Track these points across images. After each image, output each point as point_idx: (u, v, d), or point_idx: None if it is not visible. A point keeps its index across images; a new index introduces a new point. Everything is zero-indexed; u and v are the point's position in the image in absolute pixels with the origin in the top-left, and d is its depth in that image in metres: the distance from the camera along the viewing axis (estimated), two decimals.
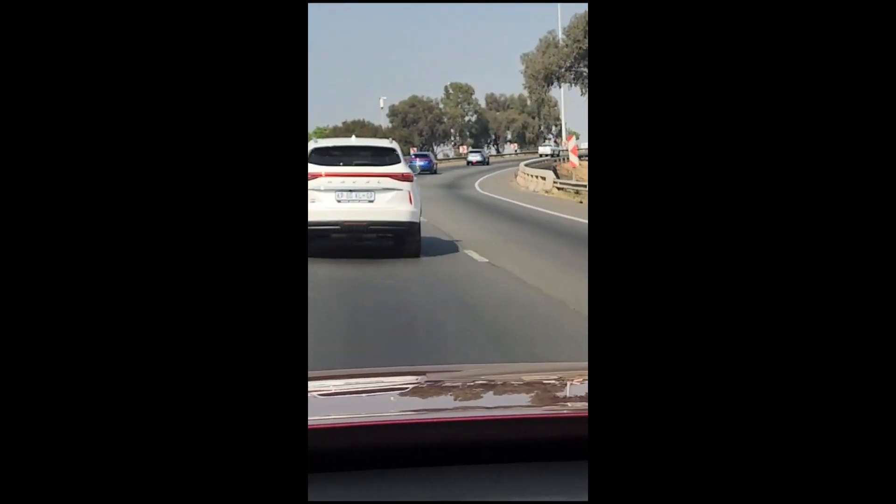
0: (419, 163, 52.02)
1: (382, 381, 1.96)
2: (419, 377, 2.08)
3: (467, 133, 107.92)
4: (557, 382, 1.91)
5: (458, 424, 1.38)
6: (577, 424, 1.20)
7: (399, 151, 12.87)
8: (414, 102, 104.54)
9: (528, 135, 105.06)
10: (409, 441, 1.29)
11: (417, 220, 12.42)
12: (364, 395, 1.81)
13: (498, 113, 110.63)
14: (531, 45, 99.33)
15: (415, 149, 71.39)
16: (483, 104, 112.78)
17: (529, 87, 77.68)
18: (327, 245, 12.07)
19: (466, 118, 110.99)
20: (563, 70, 71.65)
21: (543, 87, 75.95)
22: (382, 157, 12.51)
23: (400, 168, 12.38)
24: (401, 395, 1.83)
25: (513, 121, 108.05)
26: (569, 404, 1.69)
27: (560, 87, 74.77)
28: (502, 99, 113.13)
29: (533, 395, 1.81)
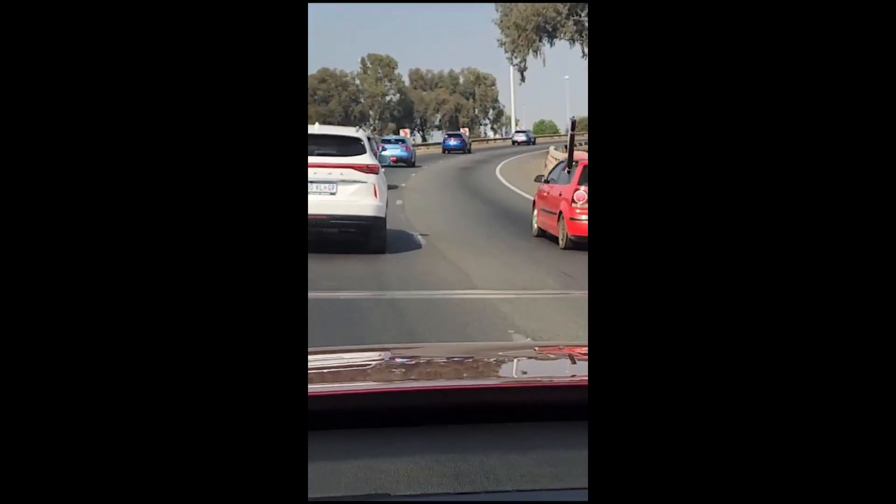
0: (393, 151, 40.51)
1: (369, 356, 2.05)
2: (407, 352, 2.19)
3: (388, 115, 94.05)
4: (554, 356, 2.07)
5: (456, 392, 1.48)
6: (577, 391, 1.32)
7: (366, 142, 12.29)
8: (324, 77, 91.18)
9: (461, 118, 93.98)
10: (405, 405, 1.37)
11: (383, 215, 11.90)
12: (355, 367, 1.88)
13: (425, 93, 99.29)
14: (467, 15, 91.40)
15: (406, 132, 61.71)
16: (407, 82, 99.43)
17: (512, 45, 50.94)
18: None
19: (388, 97, 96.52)
20: (562, 17, 48.69)
21: (533, 42, 50.39)
22: (347, 147, 11.89)
23: (365, 159, 11.79)
24: (390, 367, 1.92)
25: (443, 102, 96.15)
26: (567, 374, 1.81)
27: (553, 44, 51.20)
28: (429, 76, 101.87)
29: (530, 366, 1.93)
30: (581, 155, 14.50)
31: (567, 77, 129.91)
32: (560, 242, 13.15)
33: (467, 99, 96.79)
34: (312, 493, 1.08)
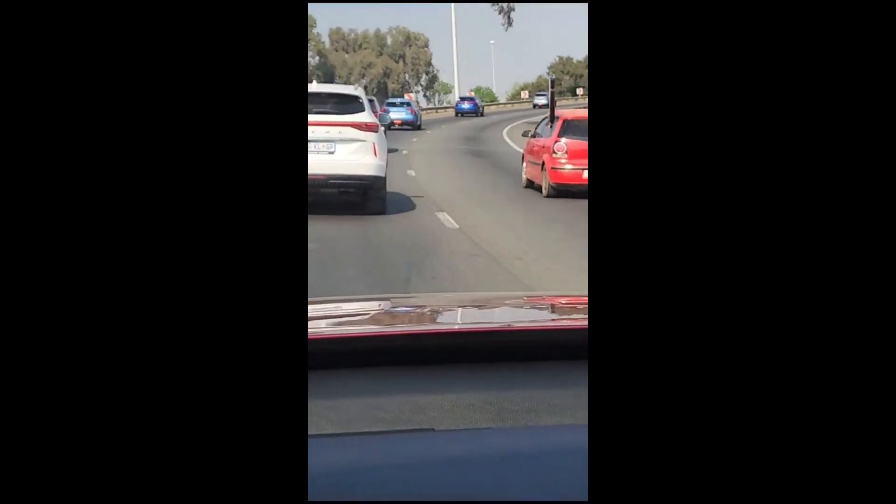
0: (398, 114, 38.97)
1: (355, 306, 2.06)
2: (393, 301, 2.21)
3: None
4: (553, 304, 2.09)
5: (456, 334, 1.51)
6: (562, 334, 1.41)
7: (364, 99, 12.02)
8: None
9: (390, 84, 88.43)
10: (403, 346, 1.39)
11: (383, 174, 11.67)
12: (340, 315, 1.87)
13: (348, 55, 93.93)
14: None
15: (410, 96, 58.34)
16: (328, 43, 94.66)
17: None
18: None
19: None
20: None
21: None
22: (346, 105, 11.63)
23: (364, 117, 11.55)
24: (389, 314, 1.96)
25: (369, 65, 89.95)
26: (565, 319, 1.83)
27: None
28: (352, 36, 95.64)
29: (528, 312, 1.98)
30: (561, 112, 16.22)
31: (492, 42, 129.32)
32: (543, 191, 14.17)
33: (397, 62, 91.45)
34: (359, 428, 1.15)
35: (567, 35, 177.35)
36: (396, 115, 38.80)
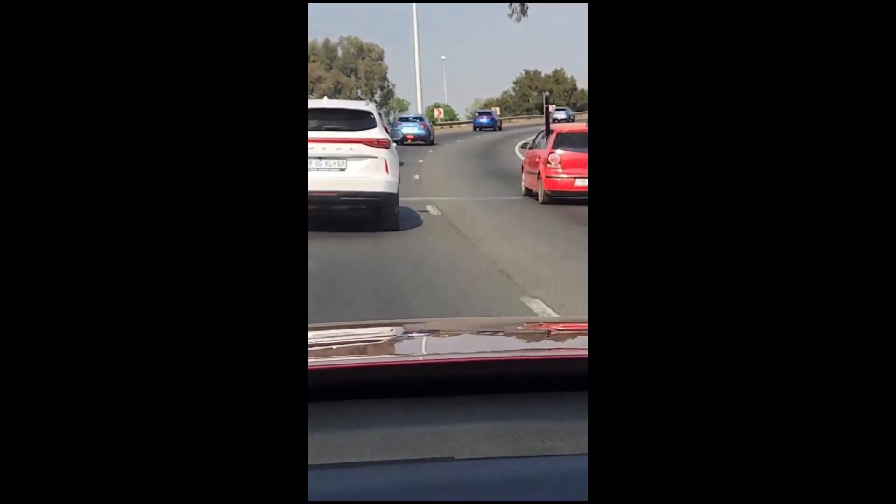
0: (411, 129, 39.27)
1: (369, 332, 2.07)
2: (406, 328, 2.20)
3: None
4: (553, 331, 2.11)
5: (455, 365, 1.51)
6: (576, 364, 1.36)
7: (376, 115, 11.85)
8: None
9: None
10: (405, 378, 1.40)
11: (395, 191, 11.55)
12: (357, 343, 1.89)
13: None
14: None
15: (439, 112, 57.22)
16: None
17: None
18: None
19: None
20: None
21: None
22: (356, 120, 11.47)
23: (375, 133, 11.41)
24: (391, 342, 1.93)
25: (318, 79, 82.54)
26: (566, 348, 1.84)
27: None
28: None
29: (529, 340, 1.99)
30: (555, 126, 18.14)
31: (444, 58, 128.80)
32: (539, 198, 15.56)
33: (349, 76, 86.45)
34: (373, 457, 1.16)
35: (532, 49, 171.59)
36: (409, 130, 39.76)
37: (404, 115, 46.59)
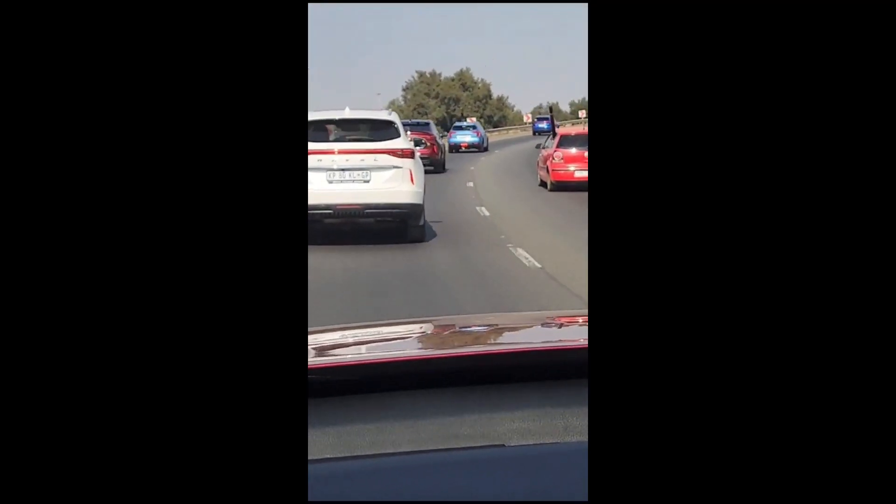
0: (464, 137, 39.90)
1: (379, 331, 2.11)
2: (416, 326, 2.24)
3: None
4: (556, 324, 2.11)
5: (460, 358, 1.56)
6: (577, 354, 1.37)
7: (399, 124, 11.58)
8: None
9: None
10: (412, 371, 1.42)
11: (420, 202, 11.26)
12: (367, 342, 1.90)
13: None
14: None
15: (472, 118, 56.97)
16: None
17: None
18: (321, 229, 10.67)
19: None
20: None
21: None
22: (380, 131, 11.22)
23: (400, 143, 11.14)
24: (401, 340, 1.97)
25: None
26: (568, 340, 1.86)
27: None
28: None
29: (532, 333, 2.03)
30: (561, 129, 24.50)
31: (379, 94, 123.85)
32: (547, 187, 20.45)
33: None
34: (344, 452, 1.16)
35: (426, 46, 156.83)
36: (463, 138, 40.90)
37: (458, 124, 46.70)
